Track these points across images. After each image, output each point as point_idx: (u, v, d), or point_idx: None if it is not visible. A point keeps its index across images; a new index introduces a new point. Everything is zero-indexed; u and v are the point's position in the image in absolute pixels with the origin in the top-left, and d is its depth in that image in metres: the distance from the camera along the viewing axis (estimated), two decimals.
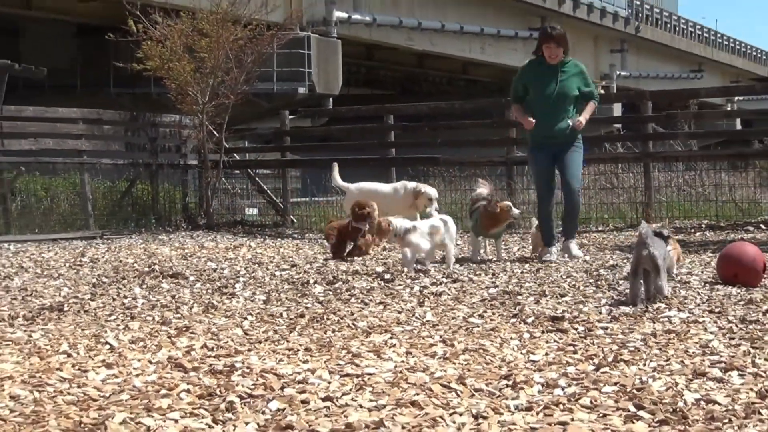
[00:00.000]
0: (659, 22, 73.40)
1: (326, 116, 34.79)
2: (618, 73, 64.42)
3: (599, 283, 11.80)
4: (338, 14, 42.08)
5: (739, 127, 34.50)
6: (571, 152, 14.75)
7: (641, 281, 10.03)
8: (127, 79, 29.84)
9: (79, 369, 6.98)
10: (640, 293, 9.96)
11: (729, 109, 39.49)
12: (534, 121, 14.60)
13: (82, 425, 5.42)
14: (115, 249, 18.29)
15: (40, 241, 19.97)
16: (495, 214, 14.57)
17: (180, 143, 25.67)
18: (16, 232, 21.19)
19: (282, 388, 6.30)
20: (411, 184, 18.65)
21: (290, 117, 27.46)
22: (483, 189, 15.80)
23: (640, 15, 69.30)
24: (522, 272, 12.91)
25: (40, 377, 6.70)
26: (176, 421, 5.53)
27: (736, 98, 48.89)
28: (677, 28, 76.12)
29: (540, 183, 15.18)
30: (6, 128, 22.60)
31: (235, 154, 26.12)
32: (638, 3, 70.10)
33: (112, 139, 25.96)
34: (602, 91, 58.95)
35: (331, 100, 39.83)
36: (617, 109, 42.81)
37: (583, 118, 14.53)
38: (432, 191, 18.31)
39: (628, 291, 10.14)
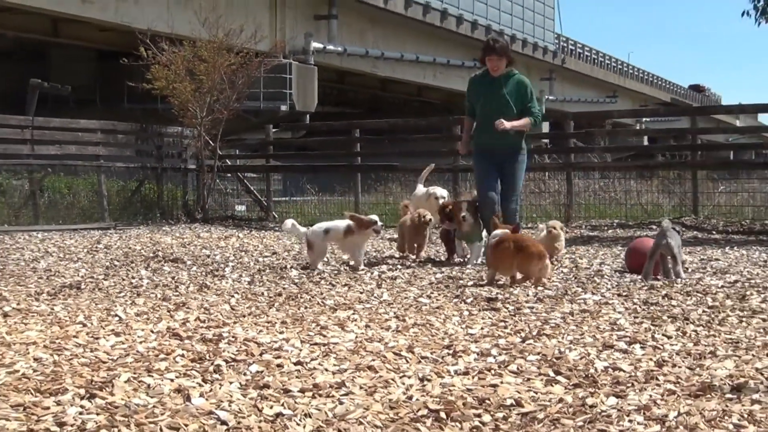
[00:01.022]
0: (581, 55, 73.58)
1: (304, 130, 34.68)
2: (547, 97, 64.48)
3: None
4: (315, 45, 42.01)
5: (646, 143, 34.59)
6: (512, 165, 13.26)
7: (653, 263, 10.90)
8: (138, 96, 29.70)
9: (92, 336, 6.96)
10: (651, 272, 10.87)
11: (638, 128, 39.55)
12: (466, 149, 13.98)
13: (93, 383, 5.40)
14: (125, 238, 18.23)
15: (63, 230, 19.90)
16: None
17: (181, 150, 25.67)
18: (43, 223, 21.11)
19: (261, 354, 6.29)
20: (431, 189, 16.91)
21: (274, 130, 27.50)
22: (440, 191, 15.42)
23: (566, 49, 69.43)
24: (464, 259, 12.94)
25: (60, 343, 6.68)
26: (172, 380, 5.51)
27: (644, 119, 48.96)
28: (596, 60, 76.30)
29: (481, 188, 13.36)
30: (36, 136, 22.62)
31: (227, 160, 26.09)
32: (564, 39, 70.21)
33: (125, 146, 25.94)
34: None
35: (308, 116, 39.74)
36: (545, 127, 42.85)
37: (509, 123, 12.91)
38: (439, 191, 16.59)
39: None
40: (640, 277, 10.97)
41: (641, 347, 6.68)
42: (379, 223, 12.42)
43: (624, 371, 5.90)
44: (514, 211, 13.14)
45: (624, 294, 9.64)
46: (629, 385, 5.53)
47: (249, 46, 25.20)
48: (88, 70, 40.80)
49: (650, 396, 5.23)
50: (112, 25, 34.85)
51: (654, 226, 19.45)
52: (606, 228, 19.72)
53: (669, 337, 7.09)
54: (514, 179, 13.32)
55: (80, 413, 4.75)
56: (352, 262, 12.57)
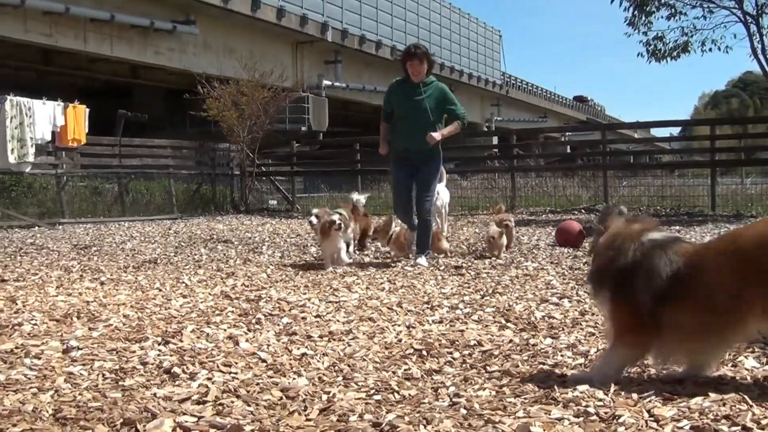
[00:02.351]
0: (520, 87, 73.62)
1: (318, 144, 34.62)
2: (496, 118, 64.45)
3: (485, 246, 11.81)
4: (326, 82, 41.97)
5: (569, 151, 34.62)
6: (427, 170, 10.46)
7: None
8: (197, 121, 29.77)
9: (165, 298, 6.93)
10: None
11: (563, 140, 39.46)
12: (385, 149, 10.80)
13: (167, 333, 5.37)
14: (189, 225, 18.18)
15: (143, 220, 19.86)
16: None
17: (229, 161, 25.73)
18: (128, 215, 21.07)
19: (290, 310, 6.26)
20: None
21: (296, 144, 27.46)
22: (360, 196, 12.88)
23: (509, 82, 69.46)
24: (437, 239, 12.91)
25: (142, 303, 6.65)
26: (225, 330, 5.49)
27: (567, 133, 49.05)
28: (531, 91, 76.39)
29: (396, 194, 10.85)
30: (123, 152, 22.64)
31: (262, 167, 26.09)
32: (507, 75, 70.20)
33: (188, 158, 26.01)
34: (485, 128, 59.00)
35: (321, 134, 39.72)
36: (495, 140, 42.78)
37: (439, 134, 10.27)
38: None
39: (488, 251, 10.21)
40: (565, 249, 10.99)
41: (569, 301, 6.67)
42: (338, 222, 9.94)
43: (556, 319, 5.88)
44: (427, 210, 10.44)
45: (555, 262, 9.65)
46: (561, 329, 5.52)
47: (277, 83, 25.31)
48: (160, 103, 40.73)
49: (576, 337, 5.22)
50: (178, 70, 34.78)
51: (576, 212, 19.55)
52: (541, 213, 19.77)
53: (588, 294, 7.08)
54: (428, 181, 10.46)
55: (158, 355, 4.73)
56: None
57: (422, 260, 9.96)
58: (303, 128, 38.58)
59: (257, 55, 29.66)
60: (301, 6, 38.90)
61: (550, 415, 3.51)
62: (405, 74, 10.49)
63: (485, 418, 3.48)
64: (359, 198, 12.41)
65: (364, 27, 44.38)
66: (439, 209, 13.13)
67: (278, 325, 5.71)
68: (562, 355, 4.68)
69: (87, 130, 20.79)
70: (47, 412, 3.66)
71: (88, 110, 20.80)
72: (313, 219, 10.37)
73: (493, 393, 3.93)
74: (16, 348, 4.97)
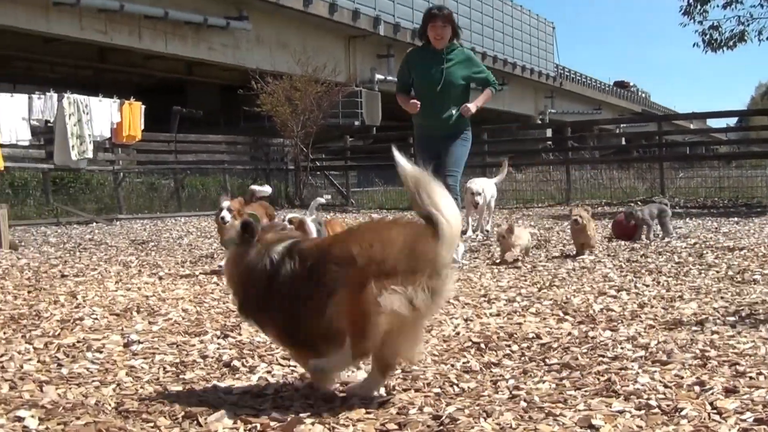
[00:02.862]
0: (575, 79, 73.15)
1: (371, 138, 34.68)
2: (550, 110, 64.11)
3: (540, 239, 11.78)
4: (378, 76, 41.98)
5: (624, 143, 34.35)
6: (454, 145, 9.19)
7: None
8: (251, 116, 29.88)
9: (223, 292, 6.97)
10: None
11: (617, 132, 39.10)
12: (419, 103, 9.30)
13: (226, 326, 5.41)
14: None
15: (199, 215, 20.00)
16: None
17: (283, 156, 25.89)
18: (184, 211, 21.24)
19: None
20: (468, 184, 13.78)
21: (350, 139, 27.53)
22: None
23: (563, 74, 69.03)
24: (492, 232, 12.87)
25: (200, 298, 6.70)
26: None
27: (622, 125, 48.46)
28: (585, 83, 75.86)
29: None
30: (179, 147, 22.94)
31: (316, 162, 26.19)
32: (561, 67, 69.78)
33: (242, 153, 26.28)
34: (539, 121, 58.63)
35: (374, 128, 39.74)
36: (549, 132, 42.57)
37: (473, 105, 9.20)
38: (476, 186, 12.99)
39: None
40: (622, 242, 10.93)
41: (626, 293, 6.62)
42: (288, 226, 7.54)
43: (615, 311, 5.84)
44: (452, 188, 8.65)
45: (612, 254, 9.59)
46: (619, 321, 5.47)
47: (330, 78, 25.42)
48: (214, 99, 41.03)
49: (635, 329, 5.18)
50: (231, 66, 35.03)
51: (632, 204, 19.40)
52: (596, 206, 19.62)
53: (647, 286, 7.03)
54: (454, 158, 9.18)
55: (217, 348, 4.76)
56: None
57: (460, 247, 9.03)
58: (356, 123, 38.64)
59: (310, 50, 29.75)
60: (353, 0, 38.95)
61: (611, 407, 3.49)
62: (426, 41, 9.33)
63: (545, 411, 3.46)
64: (261, 189, 11.56)
65: (416, 20, 44.26)
66: (482, 204, 12.93)
67: None
68: (621, 348, 4.64)
69: (143, 127, 20.98)
70: (110, 405, 3.70)
71: (143, 107, 20.99)
72: (226, 215, 8.39)
73: (553, 386, 3.91)
74: (78, 342, 5.03)
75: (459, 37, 9.52)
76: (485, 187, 13.05)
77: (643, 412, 3.44)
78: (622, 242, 10.93)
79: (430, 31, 9.18)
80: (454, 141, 9.23)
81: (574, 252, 9.68)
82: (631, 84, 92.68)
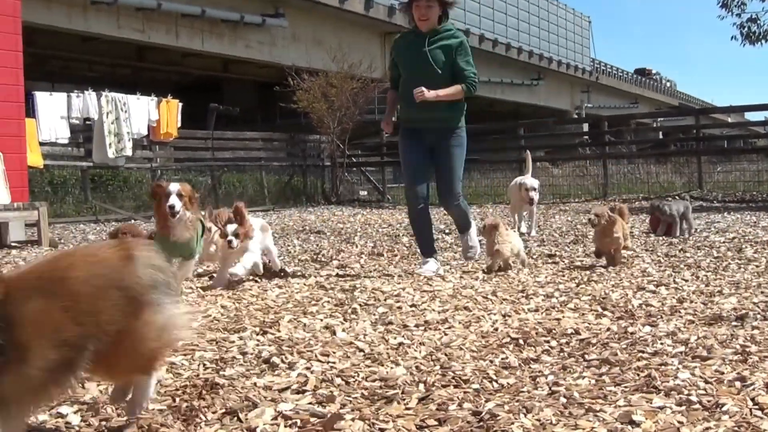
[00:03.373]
0: (611, 73, 72.76)
1: None
2: (586, 105, 63.82)
3: (577, 234, 11.75)
4: None
5: (661, 137, 34.17)
6: (447, 150, 8.03)
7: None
8: (287, 113, 29.97)
9: (261, 289, 6.99)
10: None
11: (654, 125, 38.96)
12: (389, 125, 8.60)
13: (265, 323, 5.42)
14: (281, 217, 18.36)
15: None
16: None
17: (319, 152, 26.02)
18: (221, 207, 21.34)
19: (385, 299, 6.27)
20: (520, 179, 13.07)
21: (386, 135, 27.52)
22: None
23: (599, 69, 68.68)
24: (528, 227, 12.85)
25: (239, 294, 6.72)
26: (321, 320, 5.52)
27: (659, 119, 48.08)
28: (621, 77, 75.46)
29: (408, 177, 8.23)
30: (216, 145, 23.10)
31: (352, 158, 26.25)
32: (597, 62, 69.46)
33: (279, 150, 26.41)
34: (575, 115, 58.31)
35: None
36: (585, 127, 42.35)
37: (434, 93, 7.76)
38: (529, 182, 12.57)
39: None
40: (661, 237, 10.88)
41: (665, 288, 6.59)
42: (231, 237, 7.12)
43: (654, 306, 5.81)
44: (461, 213, 8.37)
45: (650, 249, 9.57)
46: (659, 317, 5.44)
47: (366, 74, 25.42)
48: (251, 96, 41.20)
49: (675, 325, 5.15)
50: (267, 63, 35.13)
51: (669, 199, 19.31)
52: (633, 200, 19.56)
53: (686, 281, 7.00)
54: (451, 172, 8.12)
55: (257, 345, 4.77)
56: None
57: (473, 235, 8.55)
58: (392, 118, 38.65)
59: (345, 47, 29.77)
60: None
61: (651, 403, 3.47)
62: (414, 25, 8.21)
63: (586, 407, 3.45)
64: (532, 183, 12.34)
65: (452, 16, 44.20)
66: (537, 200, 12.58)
67: (374, 314, 5.72)
68: (661, 343, 4.61)
69: (180, 125, 21.10)
70: (150, 401, 3.72)
71: (180, 104, 21.10)
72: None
73: (593, 381, 3.89)
74: None
75: (448, 18, 8.29)
76: (535, 183, 12.68)
77: (684, 407, 3.42)
78: (660, 237, 10.88)
79: (414, 11, 8.08)
80: (446, 144, 8.12)
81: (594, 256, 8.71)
82: (654, 72, 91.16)
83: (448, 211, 8.61)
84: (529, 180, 12.64)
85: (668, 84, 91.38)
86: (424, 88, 7.78)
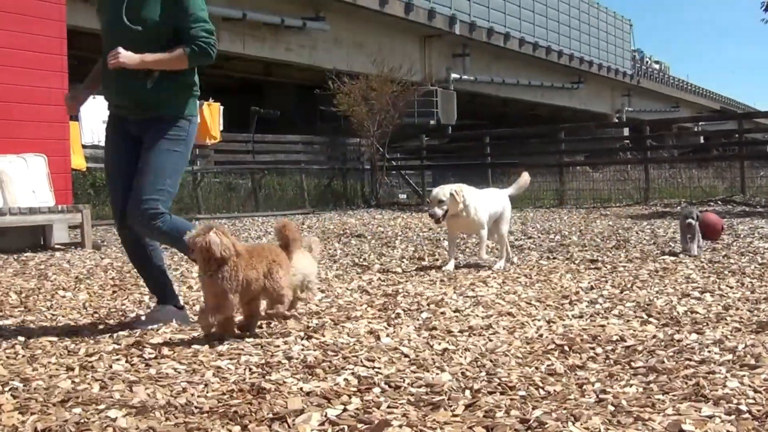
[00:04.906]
0: (652, 77, 72.38)
1: (447, 137, 34.69)
2: (627, 109, 63.52)
3: (619, 239, 11.68)
4: (454, 75, 42.00)
5: (702, 141, 33.97)
6: (149, 145, 5.49)
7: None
8: (328, 116, 30.11)
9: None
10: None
11: (696, 130, 38.64)
12: (72, 106, 6.46)
13: (309, 327, 5.43)
14: (321, 220, 18.41)
15: (276, 215, 20.16)
16: None
17: (359, 155, 26.08)
18: (261, 211, 21.44)
19: (428, 305, 6.27)
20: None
21: (425, 138, 27.56)
22: None
23: (640, 72, 68.33)
24: (569, 232, 12.79)
25: None
26: (365, 325, 5.52)
27: (701, 123, 47.70)
28: (663, 80, 75.06)
29: (110, 190, 5.86)
30: (256, 148, 23.21)
31: (392, 161, 26.29)
32: (639, 65, 69.13)
33: (319, 153, 26.53)
34: (616, 119, 58.01)
35: (450, 127, 39.68)
36: (626, 131, 42.09)
37: (138, 57, 5.34)
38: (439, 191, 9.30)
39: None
40: (704, 242, 10.78)
41: (710, 295, 6.54)
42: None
43: (699, 313, 5.77)
44: (145, 215, 5.41)
45: (693, 255, 9.47)
46: (705, 324, 5.40)
47: (406, 78, 25.53)
48: (291, 99, 41.30)
49: (722, 332, 5.10)
50: (308, 67, 35.27)
51: (712, 203, 19.16)
52: (675, 205, 19.42)
53: (731, 287, 6.94)
54: (146, 174, 5.44)
55: (302, 350, 4.78)
56: None
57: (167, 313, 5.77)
58: (432, 122, 38.71)
59: (386, 50, 29.87)
60: (429, 0, 38.99)
61: (700, 412, 3.44)
62: None
63: (634, 416, 3.43)
64: None
65: (492, 19, 44.26)
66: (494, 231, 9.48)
67: (418, 320, 5.72)
68: (708, 351, 4.56)
69: (222, 128, 21.24)
70: (198, 405, 3.74)
71: (222, 108, 21.23)
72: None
73: (640, 389, 3.86)
74: (165, 342, 5.09)
75: None
76: (494, 198, 9.59)
77: (733, 417, 3.38)
78: (704, 243, 10.79)
79: None
80: (151, 134, 5.58)
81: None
82: (647, 57, 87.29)
83: (131, 219, 5.58)
84: (441, 189, 9.26)
85: (657, 66, 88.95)
86: (121, 49, 5.41)
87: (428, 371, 4.29)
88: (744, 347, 4.63)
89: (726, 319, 5.54)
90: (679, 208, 18.64)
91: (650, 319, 5.60)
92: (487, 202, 9.31)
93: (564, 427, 3.31)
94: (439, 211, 8.94)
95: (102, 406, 3.69)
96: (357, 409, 3.63)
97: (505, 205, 9.60)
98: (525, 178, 10.08)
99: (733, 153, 23.68)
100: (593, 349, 4.77)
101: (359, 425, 3.40)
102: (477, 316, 5.84)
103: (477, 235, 9.39)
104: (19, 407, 3.73)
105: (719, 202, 19.58)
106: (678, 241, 10.99)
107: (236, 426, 3.45)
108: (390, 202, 25.06)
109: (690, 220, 9.50)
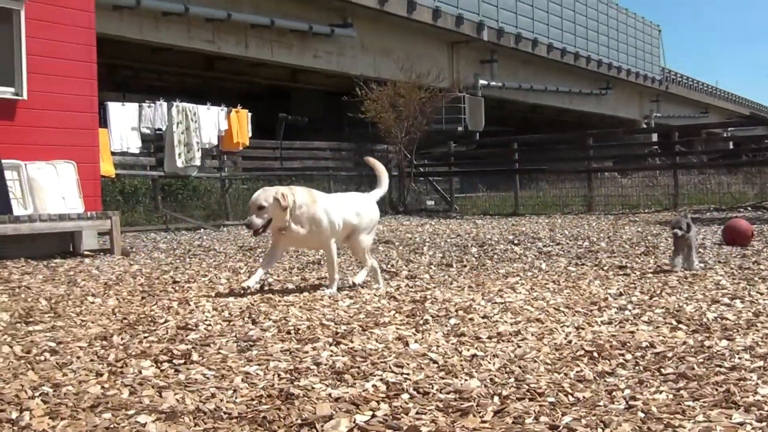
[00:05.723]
0: (681, 83, 72.09)
1: (475, 144, 34.65)
2: (655, 114, 63.29)
3: (648, 245, 11.63)
4: (481, 82, 41.97)
5: (731, 146, 33.73)
6: None
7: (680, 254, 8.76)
8: (355, 123, 30.11)
9: (332, 299, 7.02)
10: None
11: (725, 135, 38.40)
12: None
13: (338, 333, 5.44)
14: None
15: None
16: None
17: (387, 162, 26.01)
18: None
19: (456, 311, 6.26)
20: None
21: (453, 144, 27.56)
22: None
23: (668, 77, 68.05)
24: (598, 238, 12.74)
25: (310, 304, 6.74)
26: (393, 331, 5.53)
27: (730, 129, 47.47)
28: (692, 86, 74.75)
29: None
30: (284, 154, 23.27)
31: (420, 168, 26.31)
32: (667, 71, 68.85)
33: (347, 160, 26.57)
34: (644, 125, 57.82)
35: (477, 134, 39.65)
36: (655, 137, 41.93)
37: None
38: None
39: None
40: (733, 248, 10.72)
41: (740, 302, 6.49)
42: None
43: (730, 320, 5.73)
44: None
45: (723, 261, 9.43)
46: (735, 330, 5.36)
47: (434, 84, 25.59)
48: (319, 105, 41.37)
49: (753, 339, 5.07)
50: (335, 73, 35.30)
51: (741, 209, 19.06)
52: (705, 211, 19.35)
53: (761, 294, 6.89)
54: None
55: (330, 356, 4.79)
56: None
57: None
58: (459, 128, 38.69)
59: (413, 56, 29.88)
60: (457, 6, 39.03)
61: (731, 419, 3.43)
62: None
63: (664, 422, 3.41)
64: None
65: (520, 25, 44.21)
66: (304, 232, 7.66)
67: (446, 326, 5.72)
68: (739, 358, 4.54)
69: (250, 134, 21.31)
70: (227, 411, 3.76)
71: (250, 114, 21.31)
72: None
73: (670, 396, 3.85)
74: (194, 348, 5.11)
75: None
76: (321, 203, 7.68)
77: (764, 424, 3.37)
78: (734, 248, 10.73)
79: None
80: None
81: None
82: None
83: None
84: (262, 191, 7.55)
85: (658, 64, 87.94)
86: None
87: (457, 377, 4.29)
88: None
89: (756, 326, 5.50)
90: (708, 214, 18.57)
91: (680, 326, 5.58)
92: (335, 208, 7.71)
93: None
94: (257, 221, 7.28)
95: (131, 412, 3.71)
96: (385, 415, 3.63)
97: (363, 213, 8.04)
98: (379, 167, 8.77)
99: (762, 158, 23.62)
100: (622, 355, 4.75)
101: (388, 431, 3.40)
102: (505, 322, 5.83)
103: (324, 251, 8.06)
104: (50, 412, 3.76)
105: (749, 208, 19.49)
106: (707, 248, 10.96)
107: (265, 431, 3.46)
108: (418, 208, 25.10)
109: (676, 230, 8.70)
